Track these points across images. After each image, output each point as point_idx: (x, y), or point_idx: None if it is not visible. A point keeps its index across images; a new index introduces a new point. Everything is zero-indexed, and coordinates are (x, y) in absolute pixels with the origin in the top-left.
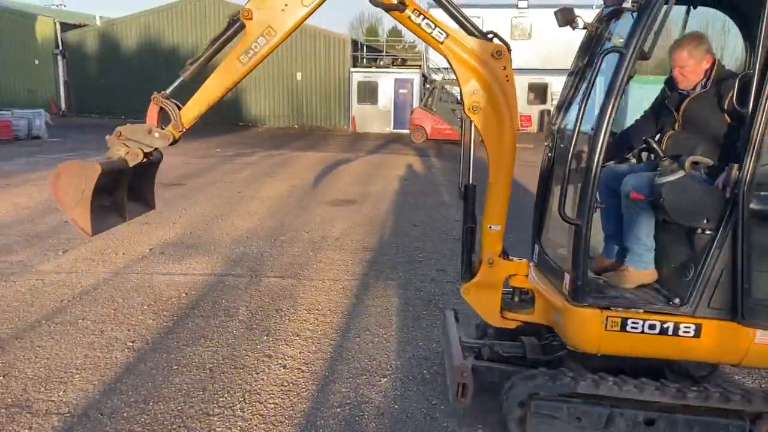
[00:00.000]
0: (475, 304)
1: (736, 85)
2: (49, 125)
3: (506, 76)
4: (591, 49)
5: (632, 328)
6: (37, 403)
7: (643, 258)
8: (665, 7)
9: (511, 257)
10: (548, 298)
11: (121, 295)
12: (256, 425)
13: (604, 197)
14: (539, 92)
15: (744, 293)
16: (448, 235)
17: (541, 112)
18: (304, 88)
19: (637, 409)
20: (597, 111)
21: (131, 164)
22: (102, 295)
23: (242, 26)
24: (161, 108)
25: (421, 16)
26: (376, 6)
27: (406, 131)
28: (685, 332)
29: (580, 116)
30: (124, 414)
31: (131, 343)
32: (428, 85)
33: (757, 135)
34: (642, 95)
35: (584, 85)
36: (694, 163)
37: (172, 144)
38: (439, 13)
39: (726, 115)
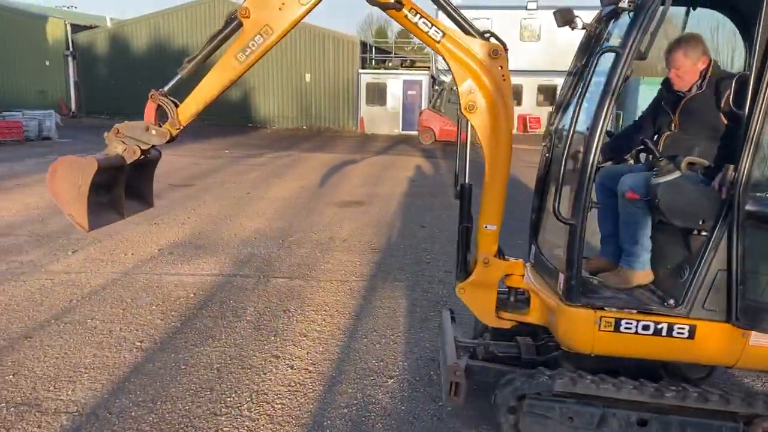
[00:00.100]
0: (471, 304)
1: (733, 86)
2: (60, 126)
3: (503, 75)
4: (590, 49)
5: (626, 328)
6: (46, 402)
7: (640, 258)
8: (662, 7)
9: (506, 257)
10: (543, 298)
11: (129, 295)
12: (263, 425)
13: (602, 197)
14: (549, 94)
15: (739, 295)
16: (456, 236)
17: (551, 114)
18: (313, 90)
19: (630, 410)
20: (593, 111)
21: (128, 161)
22: (111, 295)
23: (240, 24)
24: (159, 105)
25: (418, 15)
26: (373, 5)
27: (415, 133)
28: (679, 333)
29: (576, 116)
30: (132, 413)
31: (140, 343)
32: (437, 87)
33: (753, 136)
34: (652, 97)
35: (581, 85)
36: (691, 164)
37: (169, 141)
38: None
39: (722, 116)
